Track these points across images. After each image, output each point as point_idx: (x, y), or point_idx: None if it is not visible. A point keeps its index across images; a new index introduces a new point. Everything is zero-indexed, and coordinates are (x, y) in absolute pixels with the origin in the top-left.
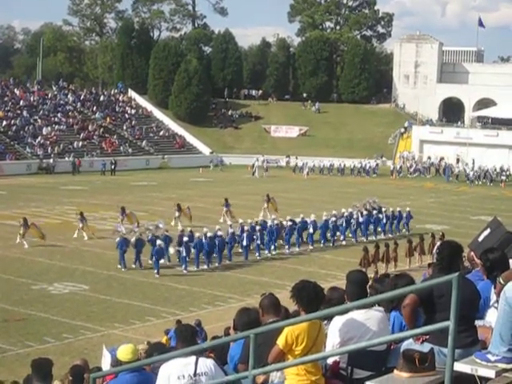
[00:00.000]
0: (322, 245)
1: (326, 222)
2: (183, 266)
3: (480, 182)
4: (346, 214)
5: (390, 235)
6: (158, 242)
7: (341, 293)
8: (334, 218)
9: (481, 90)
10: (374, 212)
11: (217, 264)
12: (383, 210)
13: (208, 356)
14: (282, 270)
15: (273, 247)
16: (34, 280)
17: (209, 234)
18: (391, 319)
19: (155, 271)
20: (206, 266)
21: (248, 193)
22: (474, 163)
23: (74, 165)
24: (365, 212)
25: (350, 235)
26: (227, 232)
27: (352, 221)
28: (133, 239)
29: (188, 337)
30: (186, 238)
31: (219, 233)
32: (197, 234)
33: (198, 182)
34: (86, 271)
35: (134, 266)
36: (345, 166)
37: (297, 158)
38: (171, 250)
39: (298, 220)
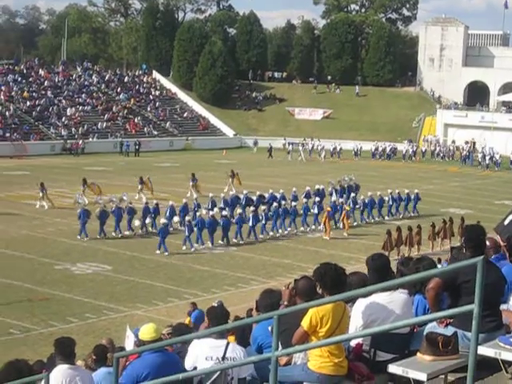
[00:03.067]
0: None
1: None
2: (190, 245)
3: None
4: (320, 189)
5: (398, 217)
6: (162, 220)
7: (361, 276)
8: (318, 198)
9: (506, 74)
10: (352, 194)
11: (220, 241)
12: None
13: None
14: (304, 252)
15: (280, 228)
16: (57, 260)
17: (211, 213)
18: (415, 302)
19: (164, 250)
20: (210, 245)
21: (268, 175)
22: (472, 147)
23: (138, 145)
24: (339, 188)
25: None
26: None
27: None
28: (97, 210)
29: (219, 319)
30: (187, 218)
31: (224, 212)
32: (198, 213)
33: (221, 163)
34: (109, 252)
35: (98, 236)
36: (361, 148)
37: (319, 140)
38: (136, 222)
39: (266, 195)
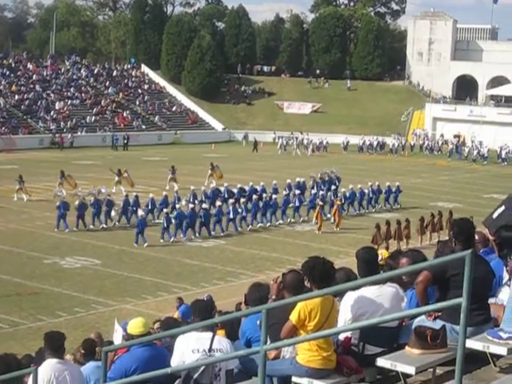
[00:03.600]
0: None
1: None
2: (168, 236)
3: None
4: (300, 182)
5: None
6: (140, 212)
7: (346, 272)
8: (298, 191)
9: (495, 68)
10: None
11: (197, 234)
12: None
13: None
14: (293, 246)
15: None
16: (46, 254)
17: (191, 206)
18: (408, 297)
19: (134, 241)
20: (186, 236)
21: (258, 169)
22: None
23: (127, 139)
24: (320, 181)
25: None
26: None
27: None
28: (76, 203)
29: (204, 312)
30: (165, 210)
31: (204, 205)
32: (177, 206)
33: (210, 157)
34: (98, 246)
35: (75, 228)
36: (348, 142)
37: (308, 134)
38: (113, 213)
39: (247, 188)
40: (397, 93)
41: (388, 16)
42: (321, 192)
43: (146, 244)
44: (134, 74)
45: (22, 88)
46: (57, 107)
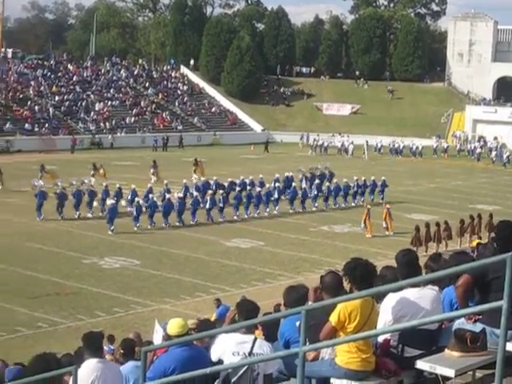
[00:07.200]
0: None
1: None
2: (134, 224)
3: None
4: (288, 176)
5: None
6: (111, 201)
7: (395, 271)
8: (277, 184)
9: None
10: (317, 180)
11: (177, 223)
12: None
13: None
14: (332, 247)
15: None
16: (85, 254)
17: (167, 196)
18: (442, 296)
19: (110, 228)
20: (164, 225)
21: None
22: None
23: (180, 139)
24: (309, 176)
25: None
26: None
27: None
28: (57, 191)
29: (251, 313)
30: (137, 198)
31: (180, 195)
32: (150, 195)
33: (249, 158)
34: (136, 246)
35: (59, 217)
36: (382, 145)
37: (345, 136)
38: (95, 203)
39: (237, 181)
40: (436, 94)
41: (428, 17)
42: (303, 185)
43: (114, 232)
44: (173, 74)
45: (63, 89)
46: (97, 108)
